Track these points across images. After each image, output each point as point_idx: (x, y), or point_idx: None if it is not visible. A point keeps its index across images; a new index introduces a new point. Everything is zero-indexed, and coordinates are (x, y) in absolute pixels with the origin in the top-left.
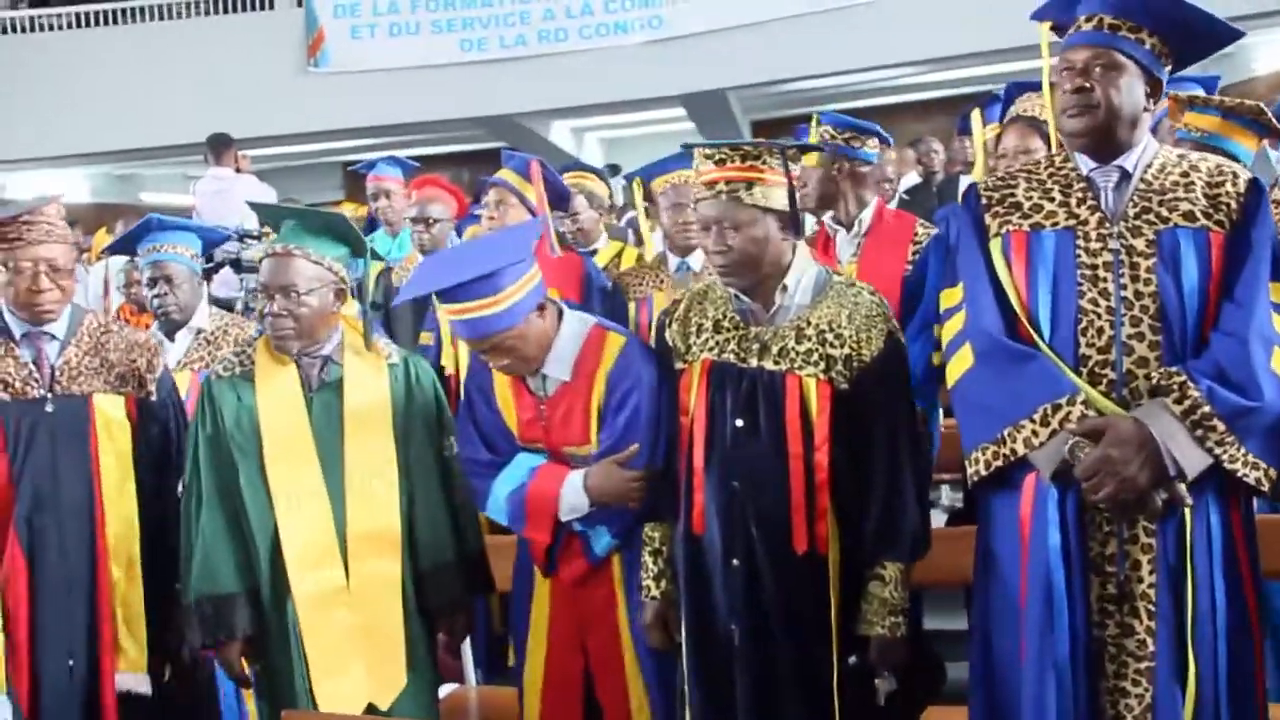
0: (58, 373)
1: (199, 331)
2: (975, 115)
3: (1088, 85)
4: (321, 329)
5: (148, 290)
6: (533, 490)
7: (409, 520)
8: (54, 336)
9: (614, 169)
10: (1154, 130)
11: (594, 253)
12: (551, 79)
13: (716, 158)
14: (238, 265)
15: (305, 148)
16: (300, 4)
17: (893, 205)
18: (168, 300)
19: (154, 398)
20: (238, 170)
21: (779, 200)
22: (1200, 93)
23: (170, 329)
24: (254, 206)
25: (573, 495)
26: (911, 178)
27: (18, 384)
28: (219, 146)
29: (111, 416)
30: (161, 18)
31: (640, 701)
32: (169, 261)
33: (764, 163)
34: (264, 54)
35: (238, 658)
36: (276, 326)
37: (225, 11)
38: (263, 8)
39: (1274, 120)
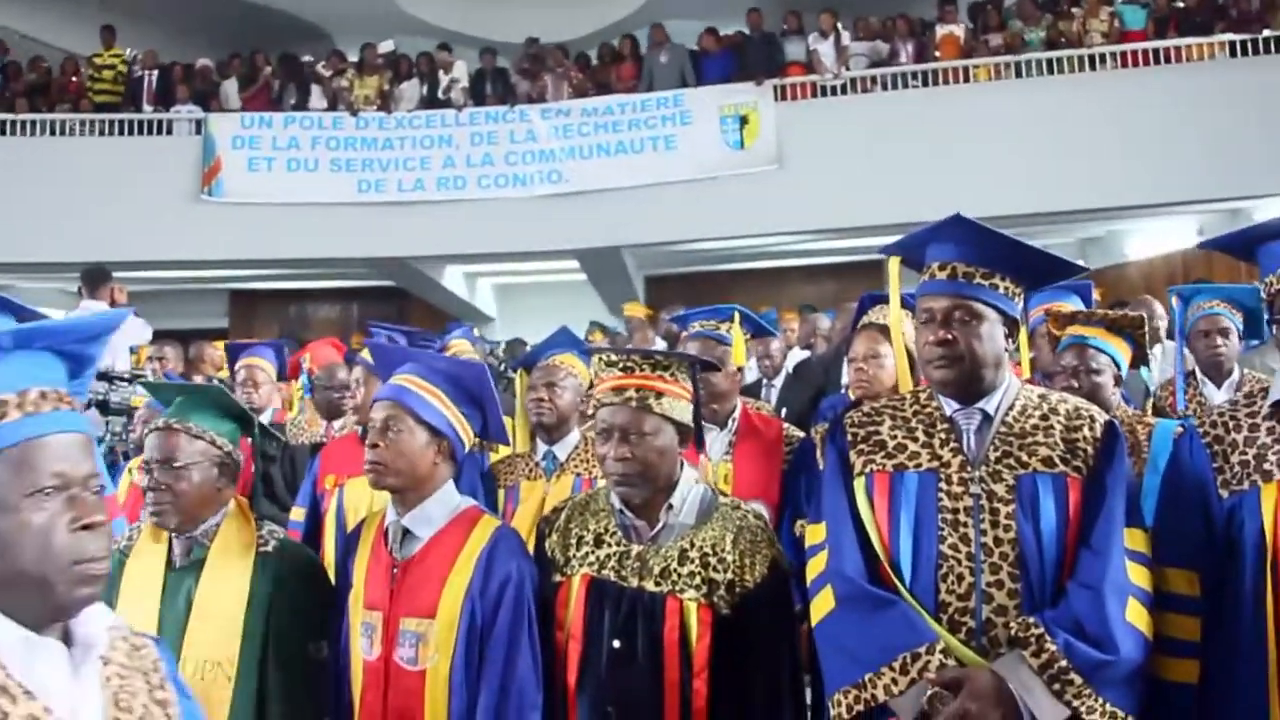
0: None
1: None
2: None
3: (950, 337)
4: (203, 508)
5: None
6: None
7: None
8: None
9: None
10: (1031, 334)
11: None
12: (448, 225)
13: (624, 365)
14: (104, 407)
15: (193, 273)
16: (199, 131)
17: (778, 381)
18: None
19: None
20: (113, 304)
21: (682, 413)
22: (1078, 306)
23: None
24: (148, 386)
25: None
26: (797, 353)
27: None
28: (95, 280)
29: None
30: (54, 133)
31: None
32: None
33: (673, 374)
34: (158, 178)
35: None
36: (155, 501)
37: (122, 133)
38: (160, 132)
39: (1145, 338)
